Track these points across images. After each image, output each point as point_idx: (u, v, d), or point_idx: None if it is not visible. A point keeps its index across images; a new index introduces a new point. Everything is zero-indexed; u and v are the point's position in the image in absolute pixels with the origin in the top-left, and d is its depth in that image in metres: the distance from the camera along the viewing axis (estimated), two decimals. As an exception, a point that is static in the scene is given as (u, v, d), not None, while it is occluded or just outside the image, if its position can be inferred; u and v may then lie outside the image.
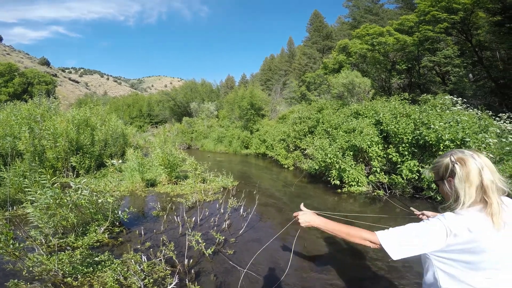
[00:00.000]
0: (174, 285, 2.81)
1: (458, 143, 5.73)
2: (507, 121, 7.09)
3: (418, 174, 6.29)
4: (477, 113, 7.17)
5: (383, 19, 27.68)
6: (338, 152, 7.39)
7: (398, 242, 1.20)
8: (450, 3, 13.30)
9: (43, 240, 3.64)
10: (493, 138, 5.71)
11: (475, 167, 1.15)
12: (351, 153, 7.41)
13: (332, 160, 7.35)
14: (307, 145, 10.43)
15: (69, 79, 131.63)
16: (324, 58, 27.43)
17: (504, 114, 7.41)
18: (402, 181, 6.57)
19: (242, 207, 5.47)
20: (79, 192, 4.10)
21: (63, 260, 3.10)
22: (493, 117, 7.31)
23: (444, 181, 1.26)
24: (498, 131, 6.36)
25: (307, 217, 1.53)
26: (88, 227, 4.17)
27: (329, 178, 7.57)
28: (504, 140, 5.91)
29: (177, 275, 2.90)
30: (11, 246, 2.70)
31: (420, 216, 1.77)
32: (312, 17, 36.47)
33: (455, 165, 1.19)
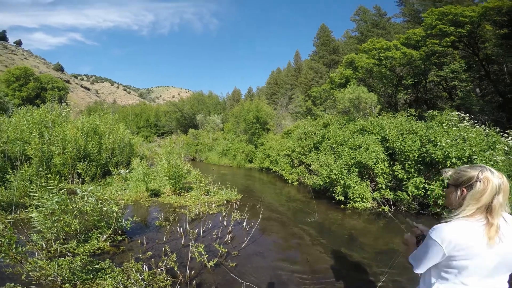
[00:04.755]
0: (174, 296, 2.76)
1: (465, 160, 5.66)
2: (515, 138, 6.97)
3: (424, 191, 6.18)
4: (484, 130, 7.10)
5: (390, 33, 27.95)
6: (343, 168, 7.34)
7: (415, 261, 1.38)
8: (457, 17, 13.32)
9: (44, 245, 3.64)
10: (500, 155, 5.62)
11: (492, 191, 1.20)
12: (356, 169, 7.35)
13: (337, 176, 7.28)
14: (312, 161, 10.39)
15: (81, 86, 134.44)
16: (331, 72, 27.65)
17: (512, 131, 7.29)
18: (408, 197, 6.46)
19: (245, 221, 5.41)
20: (85, 199, 4.14)
21: (63, 266, 3.08)
22: (501, 133, 7.20)
23: (458, 188, 1.31)
24: (506, 148, 6.26)
25: (410, 243, 1.62)
26: (90, 234, 4.17)
27: (333, 194, 7.48)
28: (511, 157, 5.82)
29: (178, 286, 2.86)
30: (14, 250, 2.72)
31: (414, 229, 1.67)
32: (319, 31, 37.03)
33: (478, 182, 1.22)
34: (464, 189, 1.28)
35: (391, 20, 32.15)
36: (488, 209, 1.21)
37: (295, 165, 12.18)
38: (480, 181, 1.22)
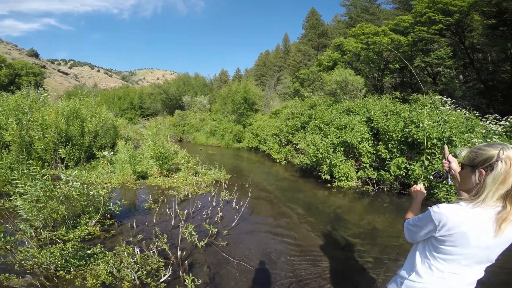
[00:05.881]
0: (168, 276, 2.85)
1: (445, 141, 5.91)
2: (493, 122, 7.32)
3: (405, 171, 6.46)
4: (464, 114, 7.38)
5: (379, 19, 27.71)
6: (329, 148, 7.51)
7: (407, 229, 1.37)
8: (447, 5, 13.39)
9: (33, 234, 3.60)
10: (478, 138, 5.91)
11: None
12: (342, 149, 7.54)
13: (323, 155, 7.46)
14: (299, 140, 10.54)
15: (58, 70, 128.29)
16: (319, 55, 27.40)
17: (490, 116, 7.64)
18: (390, 177, 6.74)
19: (234, 200, 5.52)
20: (70, 184, 4.07)
21: (54, 253, 3.09)
22: (480, 118, 7.53)
23: (475, 170, 1.17)
24: (484, 131, 6.57)
25: (419, 193, 1.61)
26: (79, 219, 4.14)
27: (319, 173, 7.70)
28: (488, 140, 6.12)
29: (171, 267, 2.94)
30: (2, 239, 2.68)
31: (445, 163, 1.60)
32: (309, 15, 36.35)
33: (499, 162, 1.08)
34: (482, 170, 1.13)
35: (381, 6, 31.75)
36: (509, 194, 1.08)
37: (283, 144, 12.36)
38: (502, 161, 1.07)
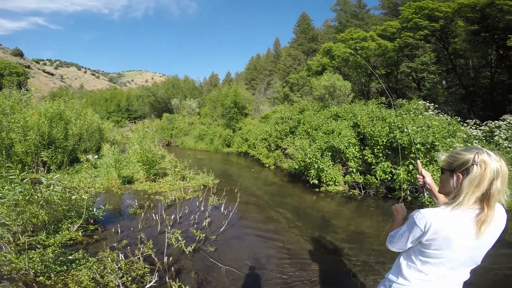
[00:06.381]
0: (154, 282, 2.78)
1: (429, 146, 6.09)
2: (473, 127, 7.64)
3: (391, 175, 6.60)
4: (447, 119, 7.66)
5: (368, 24, 28.52)
6: (317, 152, 7.60)
7: (391, 242, 1.41)
8: (433, 11, 13.92)
9: (11, 238, 3.45)
10: (459, 142, 6.14)
11: (491, 175, 1.10)
12: (329, 153, 7.65)
13: (311, 160, 7.54)
14: (288, 145, 10.61)
15: (43, 71, 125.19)
16: (308, 60, 27.83)
17: (471, 121, 7.98)
18: (376, 181, 6.88)
19: (223, 205, 5.47)
20: (51, 188, 3.92)
21: (34, 258, 2.97)
22: (461, 122, 7.83)
23: (453, 173, 1.21)
24: (465, 136, 6.84)
25: (400, 212, 1.63)
26: (60, 224, 3.99)
27: (308, 178, 7.76)
28: (469, 145, 6.37)
29: (157, 273, 2.87)
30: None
31: (419, 177, 1.66)
32: (300, 19, 36.99)
33: (474, 166, 1.12)
34: (459, 174, 1.17)
35: (370, 12, 32.77)
36: (486, 197, 1.12)
37: (272, 149, 12.40)
38: (477, 165, 1.11)
